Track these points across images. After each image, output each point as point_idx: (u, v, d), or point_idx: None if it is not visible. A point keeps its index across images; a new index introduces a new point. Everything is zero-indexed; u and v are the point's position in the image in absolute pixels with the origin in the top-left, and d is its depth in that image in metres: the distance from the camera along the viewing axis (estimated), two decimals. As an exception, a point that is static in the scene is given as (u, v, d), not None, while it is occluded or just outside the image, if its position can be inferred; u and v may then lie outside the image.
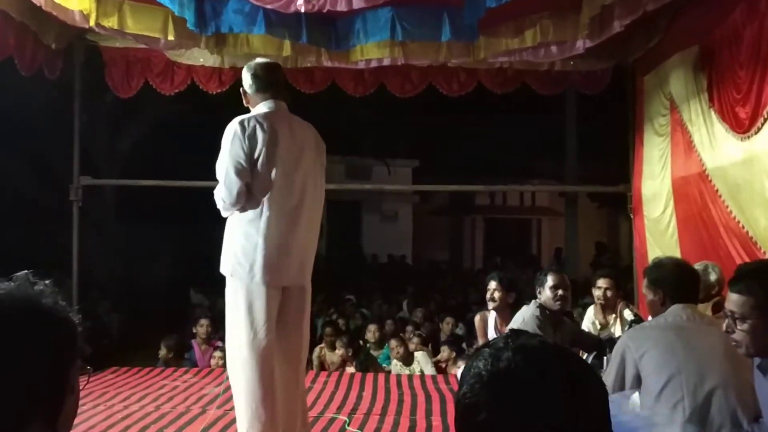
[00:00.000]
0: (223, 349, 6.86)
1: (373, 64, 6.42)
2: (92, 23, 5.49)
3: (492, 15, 5.37)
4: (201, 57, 6.94)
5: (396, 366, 6.89)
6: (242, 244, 3.41)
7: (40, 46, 6.06)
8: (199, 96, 7.84)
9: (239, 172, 3.32)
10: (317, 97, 7.78)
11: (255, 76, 3.56)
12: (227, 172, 3.33)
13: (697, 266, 4.47)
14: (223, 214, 3.52)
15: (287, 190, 3.44)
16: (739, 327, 2.35)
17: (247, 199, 3.37)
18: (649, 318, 4.91)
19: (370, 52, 6.21)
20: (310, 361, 6.97)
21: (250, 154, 3.34)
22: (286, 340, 3.54)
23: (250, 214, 3.40)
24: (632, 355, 2.93)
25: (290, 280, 3.52)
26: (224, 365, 6.44)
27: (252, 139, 3.35)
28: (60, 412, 1.08)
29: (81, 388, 1.17)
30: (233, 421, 4.32)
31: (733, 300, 2.38)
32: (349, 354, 7.10)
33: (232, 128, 3.38)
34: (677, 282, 3.16)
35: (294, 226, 3.47)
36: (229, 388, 3.58)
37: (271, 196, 3.39)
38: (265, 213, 3.39)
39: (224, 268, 3.50)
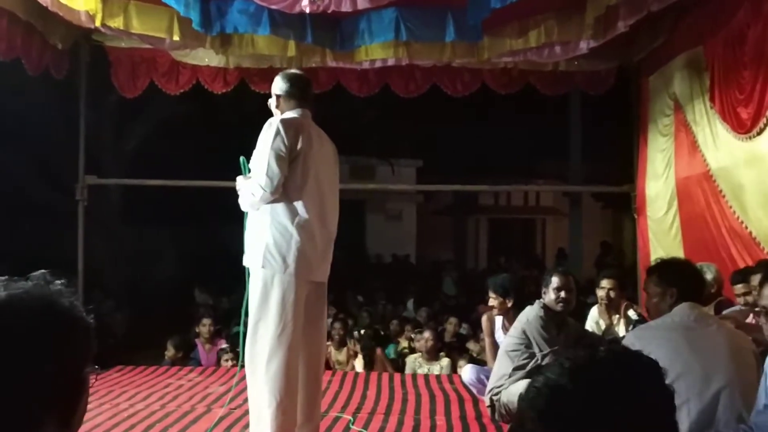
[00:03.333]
0: (230, 351, 6.90)
1: (378, 64, 6.45)
2: (98, 23, 5.53)
3: (496, 15, 5.38)
4: (206, 57, 6.97)
5: (415, 361, 6.85)
6: (275, 236, 3.49)
7: (47, 47, 6.10)
8: (204, 96, 7.87)
9: (281, 164, 3.45)
10: (322, 97, 7.81)
11: (294, 85, 3.71)
12: (269, 163, 3.44)
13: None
14: (252, 207, 3.59)
15: (317, 191, 3.60)
16: None
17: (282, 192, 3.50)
18: (615, 318, 4.95)
19: (375, 52, 6.24)
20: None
21: (290, 150, 3.48)
22: (307, 335, 3.63)
23: (284, 208, 3.50)
24: None
25: (318, 276, 3.66)
26: (234, 365, 6.51)
27: (292, 137, 3.50)
28: (75, 412, 1.09)
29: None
30: (237, 420, 4.37)
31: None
32: (358, 350, 7.08)
33: (274, 125, 3.50)
34: (689, 280, 3.17)
35: (322, 226, 3.63)
36: (243, 381, 3.62)
37: (304, 193, 3.53)
38: (300, 209, 3.52)
39: (253, 260, 3.57)
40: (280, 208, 3.51)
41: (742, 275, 4.40)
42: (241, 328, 3.67)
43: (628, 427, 1.04)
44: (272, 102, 3.76)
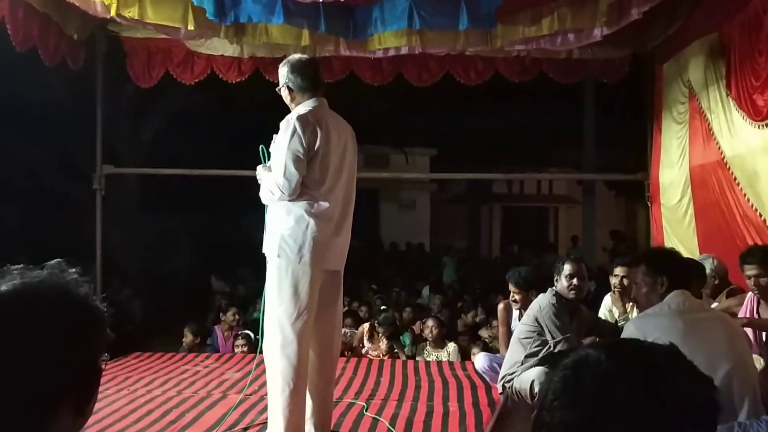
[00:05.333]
0: (245, 336, 6.98)
1: (391, 53, 6.45)
2: (113, 13, 5.57)
3: (509, 3, 5.38)
4: (220, 47, 7.01)
5: (426, 349, 6.89)
6: (291, 226, 3.52)
7: (63, 37, 6.16)
8: (219, 85, 7.92)
9: (298, 165, 3.46)
10: (335, 86, 7.83)
11: (305, 77, 3.67)
12: (287, 165, 3.45)
13: (701, 258, 4.51)
14: (270, 202, 3.63)
15: (337, 183, 3.62)
16: None
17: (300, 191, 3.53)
18: (629, 306, 4.96)
19: (388, 41, 6.24)
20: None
21: (308, 149, 3.48)
22: (320, 323, 3.66)
23: (302, 200, 3.53)
24: None
25: (333, 264, 3.69)
26: (248, 351, 6.57)
27: (310, 135, 3.49)
28: (90, 399, 1.10)
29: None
30: (253, 405, 4.44)
31: None
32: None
33: (291, 124, 3.49)
34: (680, 268, 3.20)
35: (341, 216, 3.66)
36: (262, 372, 3.67)
37: (324, 187, 3.55)
38: (319, 201, 3.54)
39: (269, 249, 3.61)
40: (300, 200, 3.53)
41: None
42: (261, 315, 3.72)
43: (667, 413, 0.98)
44: (284, 93, 3.72)
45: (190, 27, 5.84)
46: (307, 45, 6.34)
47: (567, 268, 4.48)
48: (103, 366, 1.14)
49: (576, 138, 14.23)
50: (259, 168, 3.74)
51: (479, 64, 7.31)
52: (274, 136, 3.67)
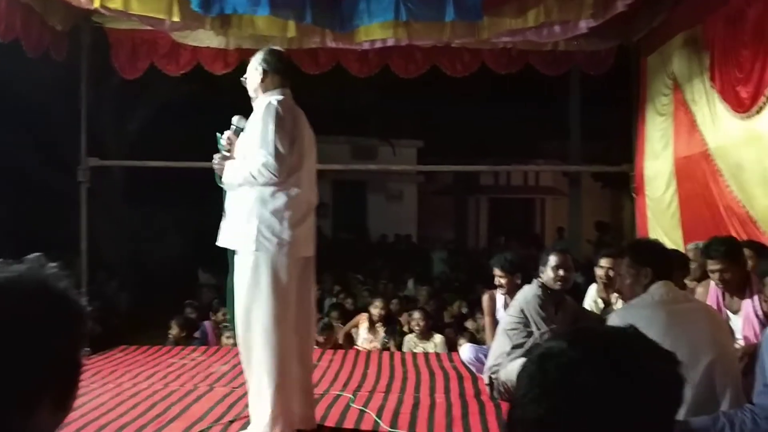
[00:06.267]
0: (232, 329, 6.97)
1: (378, 44, 6.42)
2: (97, 4, 5.50)
3: (495, -6, 5.38)
4: (206, 38, 6.96)
5: (411, 341, 6.92)
6: (267, 218, 3.51)
7: (46, 28, 6.10)
8: (205, 77, 7.87)
9: (288, 147, 3.49)
10: (322, 78, 7.81)
11: (281, 60, 3.73)
12: (277, 147, 3.45)
13: (689, 247, 4.54)
14: (239, 187, 3.58)
15: (308, 171, 3.67)
16: None
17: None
18: (614, 297, 5.01)
19: (375, 32, 6.21)
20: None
21: (290, 133, 3.52)
22: (300, 309, 3.66)
23: (275, 188, 3.52)
24: None
25: (308, 250, 3.71)
26: (236, 344, 6.57)
27: (291, 120, 3.54)
28: (70, 394, 1.10)
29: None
30: (240, 398, 4.44)
31: None
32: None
33: (273, 109, 3.51)
34: (663, 260, 3.24)
35: (310, 204, 3.70)
36: (232, 366, 3.67)
37: (297, 174, 3.57)
38: (294, 188, 3.55)
39: (242, 243, 3.56)
40: (271, 188, 3.52)
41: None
42: (229, 311, 3.69)
43: (635, 391, 0.98)
44: (253, 77, 3.70)
45: (175, 18, 5.79)
46: (293, 37, 6.31)
47: (553, 259, 4.50)
48: (84, 360, 1.14)
49: (562, 130, 14.30)
50: (217, 156, 3.72)
51: (466, 56, 7.31)
52: (233, 119, 3.67)
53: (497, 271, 5.28)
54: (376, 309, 7.07)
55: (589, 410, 0.98)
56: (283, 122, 3.48)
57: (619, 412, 0.98)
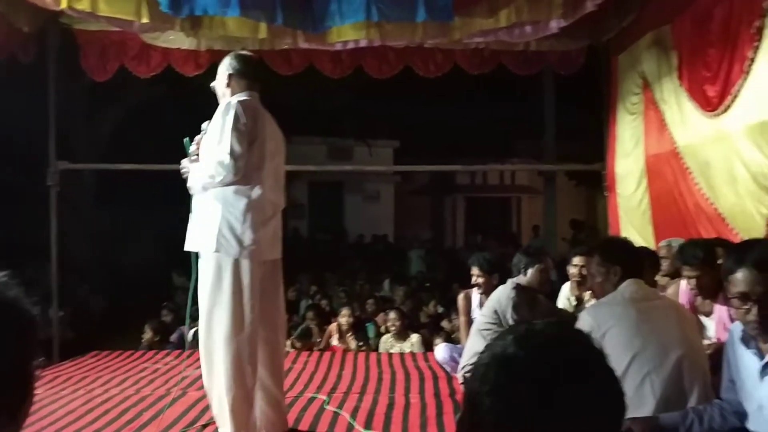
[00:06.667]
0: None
1: (350, 45, 6.40)
2: (64, 5, 5.43)
3: (466, -5, 5.39)
4: (177, 40, 6.89)
5: (387, 342, 6.92)
6: (228, 219, 3.48)
7: (12, 30, 5.99)
8: (177, 79, 7.80)
9: (243, 146, 3.46)
10: (297, 79, 7.78)
11: (247, 65, 3.72)
12: (233, 145, 3.43)
13: (661, 244, 4.58)
14: (204, 189, 3.55)
15: (270, 172, 3.61)
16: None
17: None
18: (587, 295, 5.09)
19: (347, 33, 6.19)
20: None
21: (250, 133, 3.49)
22: (265, 314, 3.63)
23: (237, 190, 3.49)
24: (595, 333, 3.01)
25: (273, 254, 3.68)
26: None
27: (250, 120, 3.50)
28: (24, 404, 1.07)
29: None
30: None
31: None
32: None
33: (232, 107, 3.49)
34: (632, 258, 3.27)
35: (276, 205, 3.67)
36: (198, 368, 3.63)
37: (261, 174, 3.54)
38: (255, 190, 3.52)
39: (204, 245, 3.53)
40: (233, 189, 3.49)
41: None
42: (188, 315, 3.67)
43: (581, 390, 0.99)
44: (221, 81, 3.72)
45: (144, 20, 5.72)
46: (265, 38, 6.27)
47: (543, 263, 4.68)
48: (37, 371, 1.12)
49: (537, 129, 14.37)
50: (184, 161, 3.70)
51: (438, 57, 7.32)
52: (203, 125, 3.65)
53: (475, 270, 5.31)
54: (343, 318, 7.05)
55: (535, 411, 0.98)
56: (239, 121, 3.45)
57: (563, 414, 0.98)
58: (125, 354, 6.36)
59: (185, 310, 8.24)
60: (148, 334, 7.16)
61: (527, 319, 4.48)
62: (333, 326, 7.15)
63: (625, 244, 3.58)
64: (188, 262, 3.74)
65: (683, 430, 2.66)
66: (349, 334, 6.96)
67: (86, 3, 5.47)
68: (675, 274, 4.52)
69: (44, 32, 6.68)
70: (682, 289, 4.13)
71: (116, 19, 5.76)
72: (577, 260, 5.34)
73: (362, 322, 7.41)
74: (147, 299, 10.56)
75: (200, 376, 5.16)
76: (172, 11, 5.55)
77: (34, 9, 5.82)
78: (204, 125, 3.75)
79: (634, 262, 3.28)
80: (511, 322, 4.44)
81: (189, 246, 3.64)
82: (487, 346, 1.09)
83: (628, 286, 3.15)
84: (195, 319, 3.98)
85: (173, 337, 7.52)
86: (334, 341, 7.02)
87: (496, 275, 5.26)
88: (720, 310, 3.85)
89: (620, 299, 3.13)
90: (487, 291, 5.17)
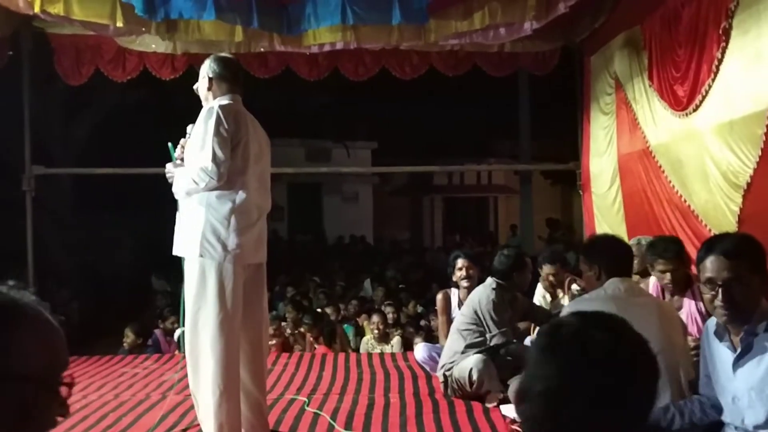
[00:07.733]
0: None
1: (326, 48, 6.44)
2: (37, 9, 5.41)
3: (441, -2, 5.45)
4: (153, 43, 6.88)
5: (369, 343, 6.94)
6: (212, 223, 3.49)
7: (-16, 35, 5.96)
8: (154, 82, 7.78)
9: (226, 151, 3.45)
10: (274, 81, 7.79)
11: (227, 68, 3.70)
12: (215, 150, 3.42)
13: (631, 242, 4.65)
14: (189, 194, 3.57)
15: (254, 175, 3.61)
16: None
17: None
18: (560, 293, 5.23)
19: (323, 36, 6.23)
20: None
21: (231, 138, 3.48)
22: (248, 318, 3.64)
23: (220, 194, 3.50)
24: None
25: (256, 258, 3.68)
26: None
27: (232, 124, 3.49)
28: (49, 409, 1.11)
29: None
30: (192, 407, 4.40)
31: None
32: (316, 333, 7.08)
33: (215, 111, 3.48)
34: (612, 257, 3.32)
35: (260, 209, 3.66)
36: (185, 374, 3.63)
37: (245, 178, 3.54)
38: (239, 194, 3.52)
39: (188, 249, 3.55)
40: (216, 194, 3.50)
41: None
42: (182, 319, 3.67)
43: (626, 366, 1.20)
44: (202, 85, 3.72)
45: (119, 24, 5.72)
46: (241, 41, 6.29)
47: (530, 265, 4.86)
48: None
49: (513, 129, 14.47)
50: (169, 165, 3.71)
51: (414, 59, 7.39)
52: (188, 128, 3.66)
53: (464, 262, 5.36)
54: (310, 333, 7.02)
55: (592, 375, 1.16)
56: (221, 126, 3.45)
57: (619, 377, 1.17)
58: (104, 359, 6.31)
59: (166, 313, 8.26)
60: (129, 338, 7.12)
61: (505, 322, 4.56)
62: (308, 341, 7.11)
63: (606, 243, 3.54)
64: (168, 266, 3.75)
65: (664, 424, 2.72)
66: (318, 346, 6.93)
67: (60, 7, 5.45)
68: (644, 273, 4.60)
69: (17, 36, 6.63)
70: (651, 286, 4.21)
71: (91, 23, 5.75)
72: (546, 269, 5.40)
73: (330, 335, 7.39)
74: (126, 303, 10.51)
75: (180, 380, 5.19)
76: (148, 15, 5.56)
77: (6, 13, 5.79)
78: (189, 128, 3.76)
79: (614, 261, 3.33)
80: (490, 322, 4.50)
81: (176, 250, 3.65)
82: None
83: (611, 284, 3.22)
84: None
85: (150, 341, 7.49)
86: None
87: (478, 268, 5.39)
88: (689, 305, 3.94)
89: (602, 295, 3.19)
90: (474, 285, 5.16)
